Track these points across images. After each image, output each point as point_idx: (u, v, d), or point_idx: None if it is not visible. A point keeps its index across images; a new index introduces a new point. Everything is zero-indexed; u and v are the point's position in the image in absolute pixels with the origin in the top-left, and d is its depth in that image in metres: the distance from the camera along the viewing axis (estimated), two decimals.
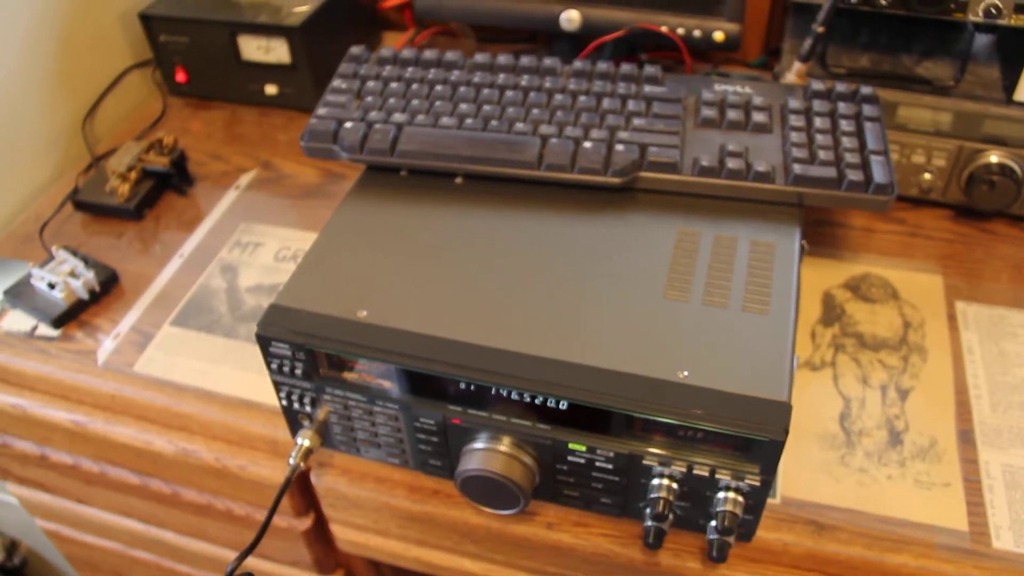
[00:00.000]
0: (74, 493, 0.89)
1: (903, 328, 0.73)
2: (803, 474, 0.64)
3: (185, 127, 1.02)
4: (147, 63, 1.09)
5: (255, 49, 0.98)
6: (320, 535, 0.80)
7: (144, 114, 1.05)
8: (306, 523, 0.77)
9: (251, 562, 0.87)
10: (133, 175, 0.89)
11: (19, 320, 0.79)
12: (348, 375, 0.60)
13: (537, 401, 0.55)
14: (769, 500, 0.62)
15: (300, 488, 0.74)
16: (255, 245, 0.85)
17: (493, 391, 0.55)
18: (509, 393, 0.55)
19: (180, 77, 1.03)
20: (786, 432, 0.51)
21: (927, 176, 0.81)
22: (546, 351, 0.55)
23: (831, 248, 0.81)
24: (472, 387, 0.56)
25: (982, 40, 0.86)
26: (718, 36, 0.88)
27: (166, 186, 0.92)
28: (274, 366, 0.61)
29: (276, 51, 0.97)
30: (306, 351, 0.58)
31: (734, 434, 0.52)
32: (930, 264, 0.79)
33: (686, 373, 0.54)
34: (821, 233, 0.82)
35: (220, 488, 0.76)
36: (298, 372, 0.60)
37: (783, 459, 0.64)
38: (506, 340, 0.56)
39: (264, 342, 0.59)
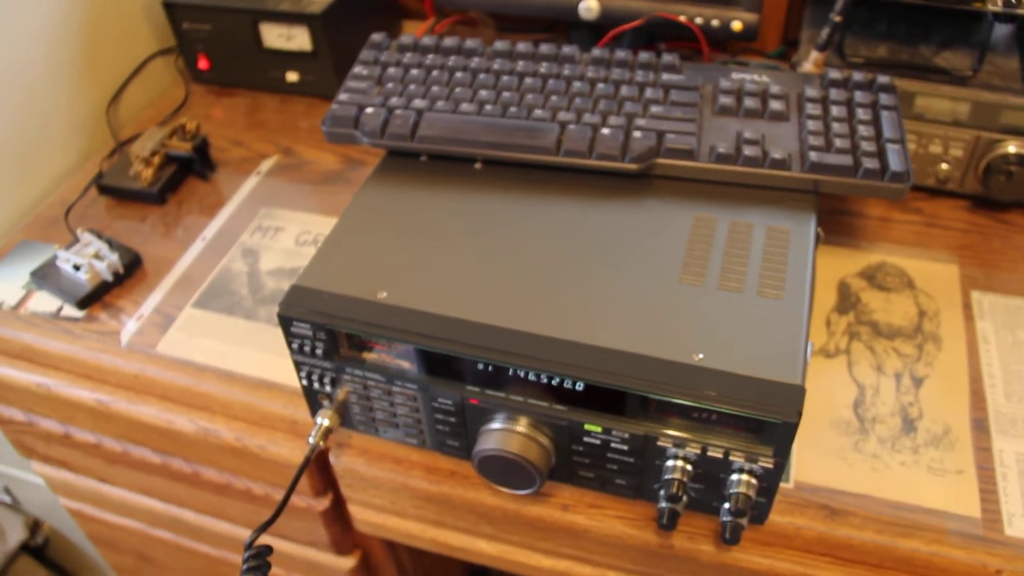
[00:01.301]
0: (97, 472, 0.91)
1: (918, 317, 0.74)
2: (816, 459, 0.64)
3: (207, 114, 1.03)
4: (170, 50, 1.10)
5: (277, 37, 0.99)
6: (338, 516, 0.81)
7: (167, 101, 1.06)
8: (324, 503, 0.79)
9: (270, 541, 0.88)
10: (156, 160, 0.90)
11: (45, 301, 0.81)
12: (368, 355, 0.61)
13: (554, 382, 0.56)
14: (782, 484, 0.63)
15: (319, 468, 0.75)
16: (276, 230, 0.86)
17: (511, 372, 0.56)
18: (526, 374, 0.56)
19: (202, 64, 1.05)
20: (799, 414, 0.51)
21: (944, 166, 0.81)
22: (563, 333, 0.56)
23: (847, 237, 0.81)
24: (490, 368, 0.57)
25: (1001, 30, 0.86)
26: (736, 26, 0.88)
27: (188, 171, 0.93)
28: (295, 346, 0.62)
29: (297, 39, 0.98)
30: (327, 331, 0.59)
31: (747, 416, 0.52)
32: (946, 254, 0.79)
33: (701, 356, 0.54)
34: (838, 222, 0.83)
35: (240, 468, 0.77)
36: (319, 352, 0.61)
37: (796, 444, 0.65)
38: (524, 322, 0.57)
39: (286, 322, 0.60)
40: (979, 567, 0.59)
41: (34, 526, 1.30)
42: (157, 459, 0.83)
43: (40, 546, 1.33)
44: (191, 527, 0.94)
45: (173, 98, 1.06)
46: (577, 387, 0.55)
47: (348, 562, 0.88)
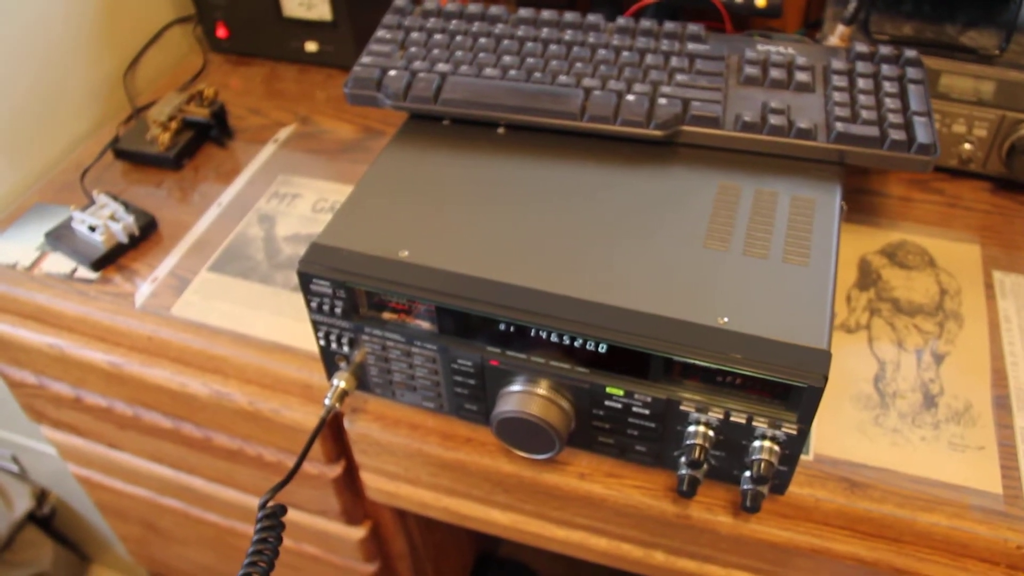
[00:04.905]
0: (107, 437, 0.91)
1: (939, 295, 0.73)
2: (836, 433, 0.64)
3: (225, 82, 1.03)
4: (189, 19, 1.09)
5: (297, 5, 0.98)
6: (350, 484, 0.81)
7: (185, 69, 1.06)
8: (336, 470, 0.78)
9: None
10: (174, 125, 0.90)
11: (59, 262, 0.81)
12: (387, 315, 0.60)
13: (576, 343, 0.55)
14: (802, 457, 0.62)
15: (333, 434, 0.75)
16: (293, 196, 0.85)
17: (533, 332, 0.56)
18: (548, 334, 0.55)
19: (221, 33, 1.04)
20: (825, 378, 0.51)
21: (967, 146, 0.81)
22: (587, 294, 0.55)
23: (868, 215, 0.80)
24: (511, 328, 0.56)
25: None
26: (760, 2, 0.87)
27: (205, 138, 0.93)
28: (314, 304, 0.61)
29: (318, 8, 0.97)
30: (346, 289, 0.59)
31: (772, 379, 0.52)
32: (968, 234, 0.78)
33: (726, 319, 0.54)
34: (859, 201, 0.82)
35: (252, 432, 0.77)
36: (337, 311, 0.61)
37: (816, 417, 0.64)
38: (547, 282, 0.56)
39: (305, 279, 0.59)
40: (1000, 542, 0.58)
41: (41, 496, 1.30)
42: (168, 423, 0.82)
43: (47, 516, 1.32)
44: (200, 495, 0.93)
45: (191, 66, 1.06)
46: (600, 349, 0.55)
47: (358, 532, 0.87)
